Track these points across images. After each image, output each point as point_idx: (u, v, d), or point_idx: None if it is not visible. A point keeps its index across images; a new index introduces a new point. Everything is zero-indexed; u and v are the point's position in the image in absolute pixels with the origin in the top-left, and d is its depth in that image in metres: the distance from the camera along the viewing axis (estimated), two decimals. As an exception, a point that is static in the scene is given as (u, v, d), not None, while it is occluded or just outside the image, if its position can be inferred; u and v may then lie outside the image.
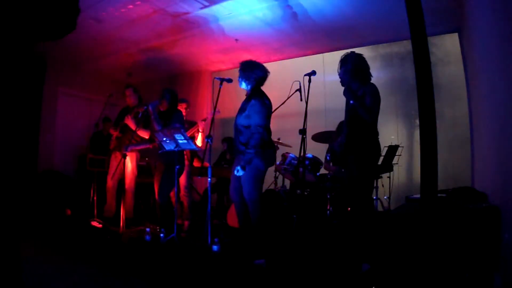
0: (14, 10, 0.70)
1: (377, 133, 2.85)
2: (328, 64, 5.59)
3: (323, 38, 5.11)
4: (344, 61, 2.91)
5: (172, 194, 3.82)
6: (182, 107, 4.37)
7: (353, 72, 2.85)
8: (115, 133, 4.44)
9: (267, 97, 3.19)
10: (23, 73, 0.80)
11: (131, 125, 4.21)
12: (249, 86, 3.17)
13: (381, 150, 2.96)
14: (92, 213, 4.51)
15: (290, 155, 4.40)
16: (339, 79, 2.97)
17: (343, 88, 2.91)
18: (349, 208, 3.64)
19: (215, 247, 3.09)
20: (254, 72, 3.15)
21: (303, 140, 3.01)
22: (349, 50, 2.97)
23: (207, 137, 3.17)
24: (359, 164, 2.78)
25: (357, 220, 2.81)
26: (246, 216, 3.15)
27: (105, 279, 2.63)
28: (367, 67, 2.92)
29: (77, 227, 4.23)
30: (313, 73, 3.08)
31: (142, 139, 4.34)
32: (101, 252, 3.34)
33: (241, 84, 3.20)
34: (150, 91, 5.50)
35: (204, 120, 4.38)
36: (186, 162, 4.33)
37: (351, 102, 2.83)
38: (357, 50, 3.02)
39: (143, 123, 4.15)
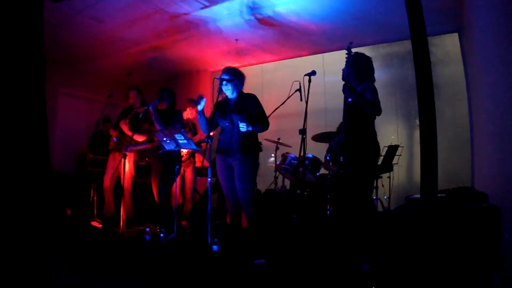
0: None
1: (375, 133, 2.86)
2: (328, 64, 5.59)
3: (323, 38, 5.11)
4: (348, 60, 2.93)
5: (172, 194, 3.83)
6: (194, 111, 4.37)
7: (355, 70, 2.86)
8: (114, 134, 4.45)
9: None
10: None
11: (125, 129, 4.24)
12: (238, 91, 3.22)
13: (381, 150, 2.97)
14: (92, 213, 4.51)
15: (290, 155, 4.40)
16: (340, 79, 2.98)
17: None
18: (349, 208, 3.65)
19: (215, 247, 3.09)
20: (243, 78, 3.25)
21: (303, 140, 3.01)
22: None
23: (207, 137, 3.17)
24: (358, 164, 2.78)
25: (357, 220, 2.81)
26: (239, 215, 3.25)
27: (105, 279, 2.63)
28: (371, 67, 2.94)
29: (77, 227, 4.23)
30: (313, 73, 3.08)
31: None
32: (101, 251, 3.34)
33: (232, 91, 3.20)
34: (150, 91, 5.50)
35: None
36: (189, 165, 4.36)
37: (349, 100, 2.84)
38: (357, 50, 3.03)
39: (140, 126, 4.15)
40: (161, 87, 4.18)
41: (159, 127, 3.84)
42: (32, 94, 0.75)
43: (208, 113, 3.32)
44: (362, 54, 2.97)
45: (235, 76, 3.19)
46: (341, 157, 2.93)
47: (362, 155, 2.79)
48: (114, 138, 4.35)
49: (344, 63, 2.98)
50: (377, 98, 2.78)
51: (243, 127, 3.04)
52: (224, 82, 3.17)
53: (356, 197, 2.82)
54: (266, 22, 4.69)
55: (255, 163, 3.18)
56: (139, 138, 4.23)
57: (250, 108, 3.15)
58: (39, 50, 0.76)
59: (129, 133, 4.17)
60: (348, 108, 2.90)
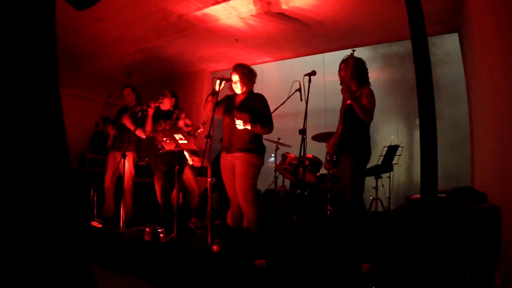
0: None
1: (369, 137, 2.93)
2: (328, 64, 5.59)
3: (323, 38, 5.11)
4: (345, 62, 2.99)
5: (174, 195, 3.84)
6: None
7: (353, 73, 2.92)
8: (112, 132, 4.44)
9: None
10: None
11: (129, 124, 4.23)
12: (247, 89, 3.22)
13: (381, 150, 2.98)
14: (92, 213, 4.51)
15: (290, 155, 4.40)
16: (339, 79, 3.03)
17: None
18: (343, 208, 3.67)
19: (215, 247, 3.10)
20: (253, 75, 3.25)
21: (303, 140, 3.01)
22: (349, 50, 3.00)
23: (207, 136, 3.16)
24: (350, 164, 2.85)
25: (350, 219, 2.86)
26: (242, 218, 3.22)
27: (105, 279, 2.63)
28: (366, 70, 3.02)
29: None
30: (313, 73, 3.09)
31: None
32: (101, 251, 3.34)
33: (239, 88, 3.20)
34: (150, 91, 5.50)
35: (204, 123, 4.37)
36: (186, 165, 4.36)
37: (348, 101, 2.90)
38: (357, 50, 3.04)
39: (141, 123, 4.15)
40: (165, 88, 4.20)
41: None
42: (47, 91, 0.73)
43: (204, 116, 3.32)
44: (360, 58, 3.04)
45: (244, 74, 3.18)
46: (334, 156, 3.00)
47: (353, 156, 2.87)
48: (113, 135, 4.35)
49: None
50: (373, 103, 2.86)
51: (239, 124, 3.04)
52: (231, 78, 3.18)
53: (347, 197, 2.87)
54: (267, 19, 4.67)
55: (257, 162, 3.12)
56: (141, 134, 4.24)
57: (255, 107, 3.14)
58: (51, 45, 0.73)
59: (132, 127, 4.16)
60: (346, 110, 2.97)
